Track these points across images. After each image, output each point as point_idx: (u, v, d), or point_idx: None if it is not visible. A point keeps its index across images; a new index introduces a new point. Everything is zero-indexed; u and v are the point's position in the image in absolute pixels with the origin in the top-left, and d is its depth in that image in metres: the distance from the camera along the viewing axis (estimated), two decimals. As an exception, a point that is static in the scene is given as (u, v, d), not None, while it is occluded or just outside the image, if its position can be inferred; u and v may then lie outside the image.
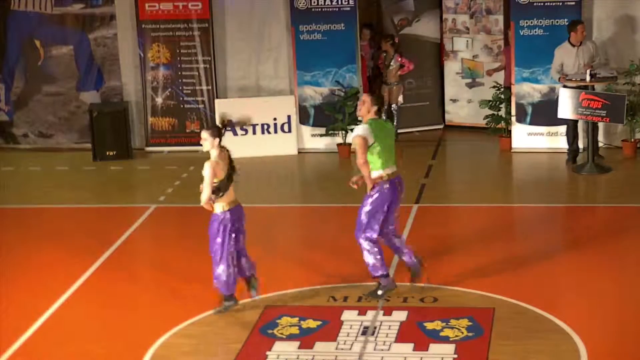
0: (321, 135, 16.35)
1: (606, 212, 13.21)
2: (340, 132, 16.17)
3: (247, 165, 15.57)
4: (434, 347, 9.40)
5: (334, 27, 16.40)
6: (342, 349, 9.45)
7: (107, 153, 16.40)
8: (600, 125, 15.31)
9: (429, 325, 9.84)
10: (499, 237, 12.35)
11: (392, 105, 16.95)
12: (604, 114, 14.45)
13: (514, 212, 13.64)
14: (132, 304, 10.74)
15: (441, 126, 17.69)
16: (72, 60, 16.98)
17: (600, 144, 15.42)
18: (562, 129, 15.60)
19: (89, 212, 14.02)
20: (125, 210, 13.95)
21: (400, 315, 10.09)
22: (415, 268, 10.66)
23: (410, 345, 9.46)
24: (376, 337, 9.66)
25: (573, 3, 15.63)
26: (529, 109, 16.03)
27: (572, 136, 15.25)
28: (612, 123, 15.00)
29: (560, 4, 15.69)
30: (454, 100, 17.57)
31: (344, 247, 11.67)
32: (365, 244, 10.36)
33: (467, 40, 17.29)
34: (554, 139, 15.91)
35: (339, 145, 16.23)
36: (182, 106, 16.74)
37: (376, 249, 10.36)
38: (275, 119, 16.36)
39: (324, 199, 14.15)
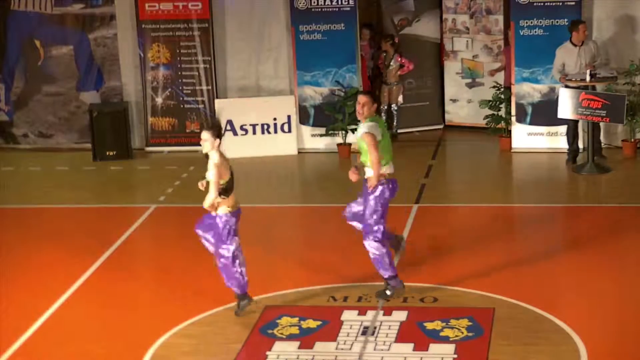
0: (321, 135, 16.35)
1: (606, 212, 13.21)
2: (340, 132, 16.17)
3: (247, 165, 15.60)
4: (434, 347, 9.40)
5: (334, 27, 16.40)
6: (342, 349, 9.45)
7: (107, 153, 16.40)
8: (602, 125, 15.30)
9: (429, 325, 9.84)
10: (499, 237, 12.35)
11: (392, 105, 16.96)
12: (604, 114, 14.45)
13: (514, 212, 13.64)
14: (132, 304, 10.74)
15: (441, 126, 17.69)
16: (72, 60, 16.98)
17: (602, 145, 15.44)
18: (562, 129, 15.60)
19: (89, 212, 14.02)
20: (125, 210, 13.95)
21: (400, 315, 10.09)
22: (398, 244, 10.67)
23: (410, 345, 9.46)
24: (376, 337, 9.66)
25: (573, 3, 15.63)
26: (529, 109, 16.03)
27: (572, 136, 15.25)
28: (612, 123, 14.99)
29: (560, 4, 15.69)
30: (454, 100, 17.57)
31: (344, 247, 11.68)
32: (374, 246, 10.33)
33: (467, 40, 17.29)
34: (554, 139, 15.91)
35: (339, 145, 16.23)
36: (182, 106, 16.74)
37: (384, 250, 10.35)
38: (275, 119, 16.36)
39: (324, 199, 14.15)
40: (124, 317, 10.39)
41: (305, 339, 9.67)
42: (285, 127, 16.38)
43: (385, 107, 16.93)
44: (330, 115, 16.24)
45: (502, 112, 16.16)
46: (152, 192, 14.64)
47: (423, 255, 11.69)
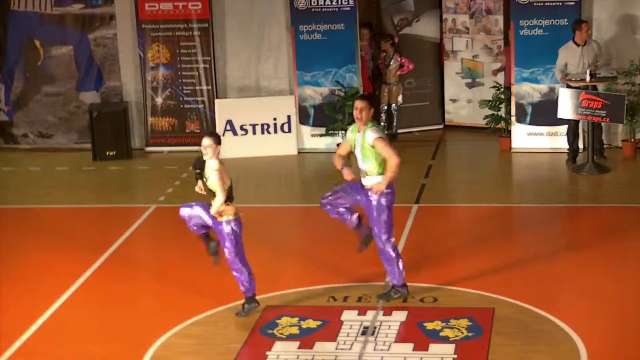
0: (321, 135, 16.35)
1: (606, 212, 13.21)
2: (340, 132, 16.16)
3: (247, 165, 15.60)
4: (434, 347, 9.40)
5: (334, 27, 16.40)
6: (342, 349, 9.45)
7: (107, 153, 16.39)
8: (603, 125, 15.30)
9: (429, 325, 9.84)
10: (499, 237, 12.35)
11: (392, 105, 16.95)
12: (604, 114, 14.45)
13: (514, 212, 13.64)
14: (132, 304, 10.75)
15: (441, 126, 17.68)
16: (72, 61, 16.98)
17: (604, 145, 15.45)
18: (562, 129, 15.60)
19: (89, 212, 14.02)
20: (125, 210, 13.94)
21: (400, 316, 10.09)
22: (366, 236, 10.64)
23: (410, 345, 9.46)
24: (376, 337, 9.66)
25: (573, 3, 15.63)
26: (529, 109, 16.02)
27: (572, 136, 15.25)
28: (612, 123, 14.99)
29: (560, 4, 15.69)
30: (453, 100, 17.56)
31: (344, 247, 11.66)
32: (392, 252, 10.33)
33: (467, 40, 17.28)
34: (553, 139, 15.91)
35: (338, 145, 16.20)
36: (182, 106, 16.74)
37: (399, 255, 10.39)
38: (275, 119, 16.36)
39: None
40: (124, 317, 10.39)
41: (305, 339, 9.67)
42: (285, 127, 16.37)
43: (385, 107, 16.92)
44: (330, 116, 16.24)
45: (502, 112, 16.15)
46: (152, 192, 14.64)
47: (423, 255, 11.69)
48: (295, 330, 9.86)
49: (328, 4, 16.34)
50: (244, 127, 16.32)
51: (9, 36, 16.93)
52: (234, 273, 10.08)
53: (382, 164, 10.12)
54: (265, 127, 16.33)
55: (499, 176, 15.32)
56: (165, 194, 14.42)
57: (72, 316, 10.48)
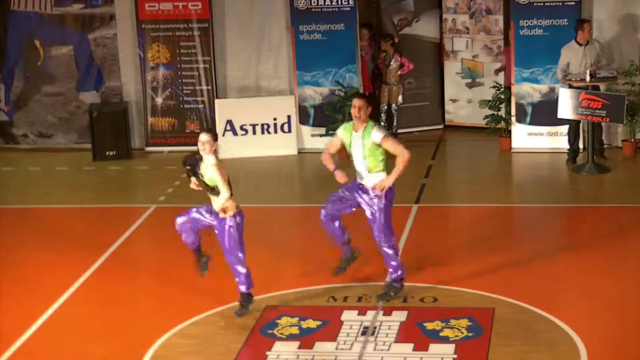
0: (321, 135, 16.34)
1: (606, 212, 13.21)
2: (340, 132, 16.14)
3: (247, 165, 15.60)
4: (434, 347, 9.40)
5: (334, 27, 16.40)
6: (342, 349, 9.45)
7: (107, 153, 16.39)
8: (603, 125, 15.30)
9: (429, 325, 9.84)
10: (499, 236, 12.35)
11: (392, 105, 16.94)
12: (604, 114, 14.45)
13: (514, 212, 13.64)
14: (132, 304, 10.75)
15: (441, 126, 17.68)
16: (72, 61, 16.98)
17: (604, 145, 15.45)
18: (562, 129, 15.60)
19: (89, 212, 14.02)
20: (125, 210, 13.94)
21: (400, 316, 10.09)
22: (348, 254, 10.64)
23: (410, 345, 9.46)
24: (376, 337, 9.66)
25: (573, 3, 15.63)
26: (529, 109, 16.02)
27: (573, 136, 15.25)
28: (612, 123, 14.99)
29: (560, 4, 15.69)
30: (454, 100, 17.56)
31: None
32: (391, 252, 10.37)
33: (467, 40, 17.28)
34: (554, 139, 15.91)
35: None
36: (182, 106, 16.74)
37: (398, 250, 10.45)
38: (275, 119, 16.36)
39: (324, 199, 14.11)
40: (124, 317, 10.39)
41: (305, 339, 9.67)
42: (285, 127, 16.37)
43: (385, 107, 16.92)
44: (330, 115, 16.23)
45: (502, 112, 16.15)
46: (152, 192, 14.63)
47: (423, 255, 11.69)
48: (295, 330, 9.87)
49: (328, 4, 16.34)
50: (244, 127, 16.32)
51: (9, 36, 16.93)
52: (237, 267, 10.05)
53: (383, 161, 10.15)
54: (265, 127, 16.33)
55: (499, 176, 15.32)
56: (165, 194, 14.43)
57: (72, 316, 10.48)
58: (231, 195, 9.86)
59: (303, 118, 16.56)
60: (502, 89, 16.17)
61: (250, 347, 9.57)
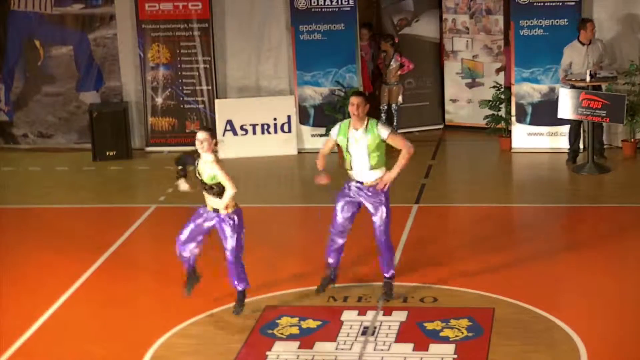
0: (321, 135, 16.32)
1: (606, 212, 13.21)
2: (340, 132, 16.14)
3: (247, 165, 15.59)
4: (434, 347, 9.40)
5: (334, 27, 16.40)
6: (342, 349, 9.46)
7: (107, 153, 16.39)
8: (604, 125, 15.30)
9: (429, 326, 9.84)
10: (499, 236, 12.35)
11: (392, 105, 16.94)
12: (604, 114, 14.45)
13: (514, 212, 13.64)
14: (132, 304, 10.75)
15: (441, 126, 17.68)
16: (72, 61, 16.98)
17: (605, 145, 15.45)
18: (562, 129, 15.60)
19: (89, 212, 14.02)
20: (125, 211, 13.95)
21: (400, 316, 10.09)
22: (332, 276, 10.66)
23: (410, 346, 9.46)
24: (376, 337, 9.66)
25: (573, 3, 15.63)
26: (529, 109, 16.03)
27: (574, 136, 15.25)
28: (612, 123, 14.99)
29: (560, 4, 15.69)
30: (454, 100, 17.56)
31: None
32: (391, 246, 10.46)
33: (467, 40, 17.28)
34: (554, 139, 15.91)
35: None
36: (182, 106, 16.74)
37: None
38: (275, 119, 16.36)
39: (324, 199, 14.13)
40: (124, 317, 10.39)
41: (305, 339, 9.67)
42: (285, 127, 16.38)
43: (385, 107, 16.92)
44: (330, 115, 16.23)
45: (502, 112, 16.15)
46: (152, 192, 14.63)
47: (423, 255, 11.70)
48: (295, 330, 9.87)
49: (328, 4, 16.34)
50: (244, 127, 16.32)
51: (9, 36, 16.93)
52: (238, 265, 10.04)
53: (384, 157, 10.18)
54: (265, 127, 16.34)
55: (499, 176, 15.32)
56: (165, 194, 14.42)
57: (72, 316, 10.48)
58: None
59: (303, 118, 16.56)
60: (502, 89, 16.18)
61: (250, 347, 9.57)
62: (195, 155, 9.97)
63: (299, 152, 16.40)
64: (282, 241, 12.56)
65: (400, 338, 9.62)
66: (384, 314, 10.13)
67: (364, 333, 9.74)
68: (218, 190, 9.88)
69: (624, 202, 13.41)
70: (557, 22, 15.71)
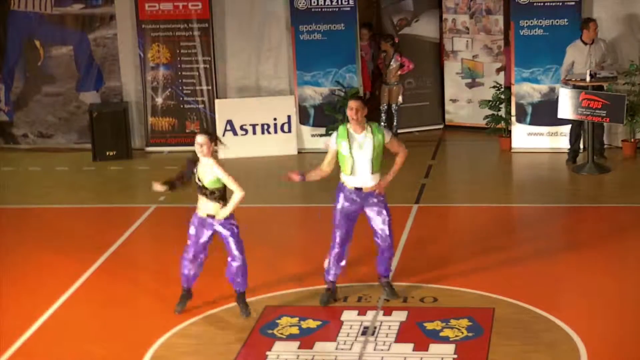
0: (321, 135, 16.34)
1: (606, 212, 13.21)
2: (340, 132, 16.14)
3: (247, 165, 15.59)
4: (434, 347, 9.40)
5: (334, 27, 16.40)
6: (342, 349, 9.46)
7: (107, 153, 16.40)
8: (605, 125, 15.30)
9: (429, 326, 9.84)
10: (499, 237, 12.35)
11: (392, 105, 16.94)
12: (604, 114, 14.45)
13: (514, 212, 13.64)
14: (132, 304, 10.75)
15: (441, 126, 17.68)
16: (72, 61, 16.98)
17: (605, 145, 15.45)
18: (562, 129, 15.60)
19: (89, 212, 14.02)
20: (125, 211, 13.95)
21: (400, 315, 10.09)
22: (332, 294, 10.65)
23: (410, 346, 9.46)
24: (376, 337, 9.66)
25: (573, 3, 15.63)
26: (529, 109, 16.03)
27: (575, 136, 15.24)
28: (612, 123, 14.99)
29: (560, 4, 15.69)
30: (453, 100, 17.56)
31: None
32: (393, 247, 10.46)
33: (467, 40, 17.28)
34: (554, 139, 15.91)
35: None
36: (182, 106, 16.74)
37: None
38: (275, 119, 16.36)
39: (324, 199, 14.13)
40: (124, 317, 10.39)
41: (305, 339, 9.67)
42: (285, 127, 16.38)
43: (385, 107, 16.92)
44: (330, 115, 16.24)
45: (502, 112, 16.16)
46: (152, 192, 14.54)
47: (423, 255, 11.70)
48: (295, 330, 9.87)
49: (328, 4, 16.35)
50: (244, 127, 16.32)
51: (9, 36, 16.93)
52: (245, 268, 10.05)
53: (381, 161, 10.19)
54: (265, 127, 16.34)
55: (499, 176, 15.32)
56: (165, 194, 14.37)
57: (72, 316, 10.48)
58: (222, 200, 9.88)
59: (303, 118, 16.56)
60: (502, 89, 16.18)
61: (250, 347, 9.57)
62: (193, 162, 9.91)
63: (299, 152, 16.40)
64: (282, 241, 12.56)
65: (400, 338, 9.62)
66: (384, 314, 10.13)
67: (364, 333, 9.74)
68: (219, 194, 9.87)
69: (624, 202, 13.42)
70: (557, 22, 15.71)
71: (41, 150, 17.04)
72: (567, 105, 14.70)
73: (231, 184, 9.80)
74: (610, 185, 14.40)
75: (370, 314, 10.13)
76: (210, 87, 16.64)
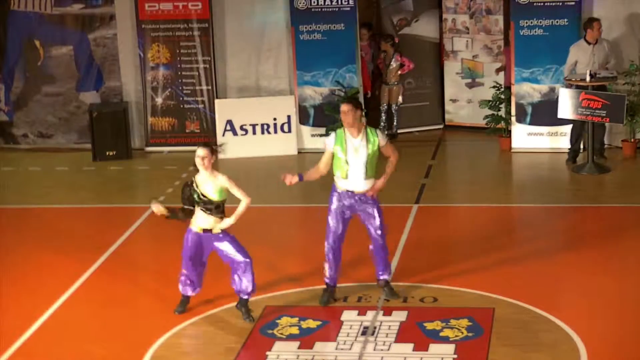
0: (321, 135, 16.33)
1: (606, 212, 13.21)
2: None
3: (247, 165, 15.59)
4: (434, 347, 9.40)
5: (334, 27, 16.40)
6: (342, 349, 9.46)
7: (107, 153, 16.39)
8: (606, 125, 15.30)
9: (429, 326, 9.84)
10: (499, 237, 12.35)
11: (392, 105, 16.95)
12: (604, 114, 14.45)
13: (514, 212, 13.64)
14: (132, 304, 10.75)
15: (441, 126, 17.68)
16: (72, 61, 16.98)
17: (605, 146, 15.45)
18: (562, 129, 15.60)
19: (89, 212, 14.02)
20: (125, 210, 13.94)
21: (400, 316, 10.09)
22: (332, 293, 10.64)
23: (410, 346, 9.46)
24: (376, 337, 9.66)
25: (573, 3, 15.63)
26: (529, 109, 16.03)
27: (576, 136, 15.24)
28: (612, 123, 14.99)
29: (560, 4, 15.69)
30: (453, 100, 17.56)
31: (343, 247, 11.65)
32: (387, 248, 10.50)
33: (467, 40, 17.28)
34: (554, 139, 15.91)
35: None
36: (182, 106, 16.74)
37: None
38: (275, 119, 16.36)
39: (324, 199, 14.11)
40: (124, 317, 10.39)
41: (305, 339, 9.67)
42: (285, 127, 16.38)
43: (385, 107, 16.93)
44: (330, 115, 16.23)
45: (502, 112, 16.16)
46: (152, 192, 14.62)
47: (423, 255, 11.70)
48: (295, 330, 9.87)
49: (328, 4, 16.35)
50: (244, 127, 16.32)
51: (9, 36, 16.93)
52: (247, 272, 10.05)
53: (375, 166, 10.20)
54: (265, 127, 16.34)
55: (499, 176, 15.31)
56: (165, 194, 14.42)
57: (72, 316, 10.48)
58: (221, 215, 9.92)
59: (303, 118, 16.56)
60: (502, 89, 16.18)
61: (250, 347, 9.58)
62: (189, 185, 9.92)
63: (299, 152, 16.40)
64: (282, 241, 12.56)
65: (400, 338, 9.62)
66: (384, 314, 10.13)
67: (364, 333, 9.74)
68: (223, 208, 9.88)
69: (624, 202, 13.42)
70: (557, 22, 15.71)
71: (41, 150, 17.03)
72: (567, 105, 14.70)
73: (236, 191, 9.82)
74: (610, 185, 14.40)
75: (370, 314, 10.13)
76: (210, 87, 16.63)
